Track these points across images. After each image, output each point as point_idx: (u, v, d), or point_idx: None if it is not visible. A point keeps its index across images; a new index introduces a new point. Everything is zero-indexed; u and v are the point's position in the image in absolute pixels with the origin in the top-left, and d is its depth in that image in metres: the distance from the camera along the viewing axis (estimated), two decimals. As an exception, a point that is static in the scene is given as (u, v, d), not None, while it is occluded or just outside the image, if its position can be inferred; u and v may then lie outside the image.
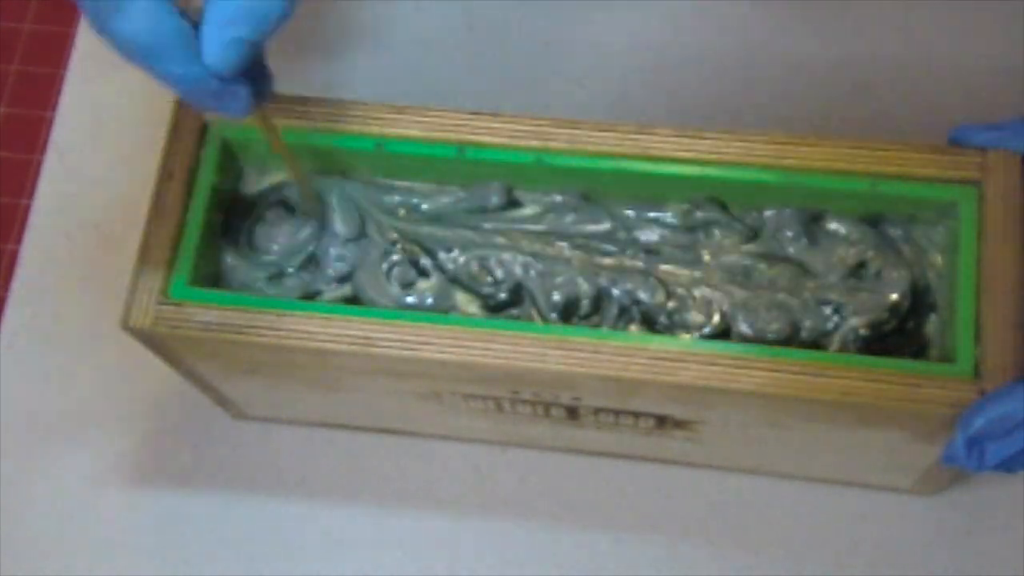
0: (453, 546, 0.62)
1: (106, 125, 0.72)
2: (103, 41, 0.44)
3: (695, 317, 0.53)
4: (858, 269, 0.53)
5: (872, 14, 0.70)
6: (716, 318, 0.53)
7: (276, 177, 0.56)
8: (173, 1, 0.44)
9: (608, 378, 0.50)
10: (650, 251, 0.54)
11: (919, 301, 0.53)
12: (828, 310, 0.53)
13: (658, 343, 0.50)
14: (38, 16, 0.77)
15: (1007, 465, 0.47)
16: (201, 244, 0.53)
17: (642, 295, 0.53)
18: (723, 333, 0.53)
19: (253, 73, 0.47)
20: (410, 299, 0.54)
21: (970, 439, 0.47)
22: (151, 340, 0.52)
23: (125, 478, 0.65)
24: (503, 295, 0.54)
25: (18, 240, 0.70)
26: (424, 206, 0.55)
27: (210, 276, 0.54)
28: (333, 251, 0.55)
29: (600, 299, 0.54)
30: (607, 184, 0.54)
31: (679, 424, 0.55)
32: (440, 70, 0.71)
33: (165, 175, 0.53)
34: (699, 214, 0.54)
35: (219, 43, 0.44)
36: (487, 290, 0.54)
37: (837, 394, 0.48)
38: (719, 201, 0.54)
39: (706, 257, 0.54)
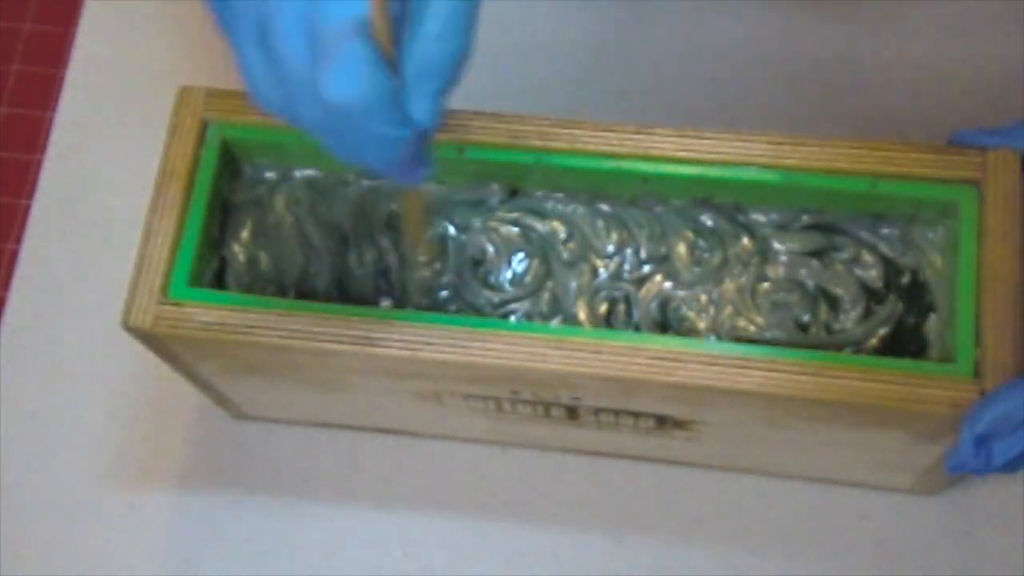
0: (453, 546, 0.62)
1: (106, 125, 0.72)
2: (278, 112, 0.40)
3: (696, 317, 0.53)
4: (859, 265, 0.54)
5: (872, 14, 0.70)
6: (717, 318, 0.53)
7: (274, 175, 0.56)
8: (382, 54, 0.39)
9: (608, 378, 0.50)
10: (651, 252, 0.54)
11: (919, 301, 0.53)
12: (828, 308, 0.53)
13: (658, 343, 0.50)
14: (38, 16, 0.77)
15: (1013, 464, 0.47)
16: (201, 244, 0.53)
17: (642, 295, 0.53)
18: (724, 333, 0.53)
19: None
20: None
21: (977, 438, 0.46)
22: (151, 340, 0.52)
23: (125, 478, 0.65)
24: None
25: (18, 240, 0.70)
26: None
27: (210, 275, 0.54)
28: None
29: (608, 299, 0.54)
30: (607, 184, 0.54)
31: (679, 424, 0.55)
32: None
33: (165, 175, 0.53)
34: (699, 214, 0.54)
35: (425, 97, 0.40)
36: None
37: (837, 394, 0.48)
38: (719, 201, 0.54)
39: (706, 258, 0.54)
